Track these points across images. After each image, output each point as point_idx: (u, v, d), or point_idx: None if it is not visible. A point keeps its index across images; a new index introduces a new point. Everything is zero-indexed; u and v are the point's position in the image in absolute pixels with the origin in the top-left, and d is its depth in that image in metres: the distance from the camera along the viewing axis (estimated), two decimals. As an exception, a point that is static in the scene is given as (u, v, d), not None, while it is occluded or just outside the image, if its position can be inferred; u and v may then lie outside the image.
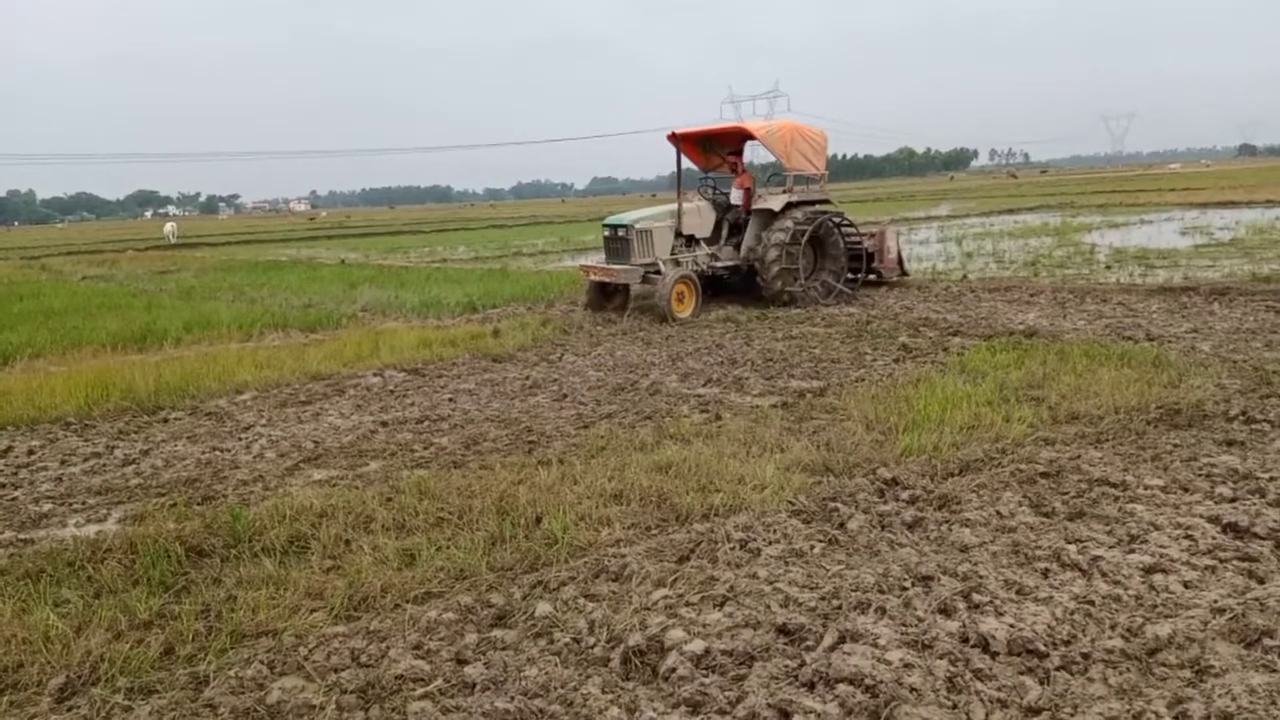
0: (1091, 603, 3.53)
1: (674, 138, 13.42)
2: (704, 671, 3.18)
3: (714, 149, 14.25)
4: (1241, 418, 5.95)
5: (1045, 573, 3.83)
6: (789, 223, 12.79)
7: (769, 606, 3.61)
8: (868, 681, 2.97)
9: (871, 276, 14.35)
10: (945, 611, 3.48)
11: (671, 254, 12.89)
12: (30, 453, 6.85)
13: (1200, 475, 4.93)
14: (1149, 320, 10.07)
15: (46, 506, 5.58)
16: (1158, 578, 3.71)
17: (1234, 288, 11.82)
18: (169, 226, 52.37)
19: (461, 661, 3.38)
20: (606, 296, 13.27)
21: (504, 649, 3.45)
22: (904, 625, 3.37)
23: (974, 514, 4.52)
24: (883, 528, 4.44)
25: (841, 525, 4.48)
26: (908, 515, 4.55)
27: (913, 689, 2.93)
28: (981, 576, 3.76)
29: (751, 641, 3.33)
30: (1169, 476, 4.94)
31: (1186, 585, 3.65)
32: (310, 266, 24.74)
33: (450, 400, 7.98)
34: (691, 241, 13.26)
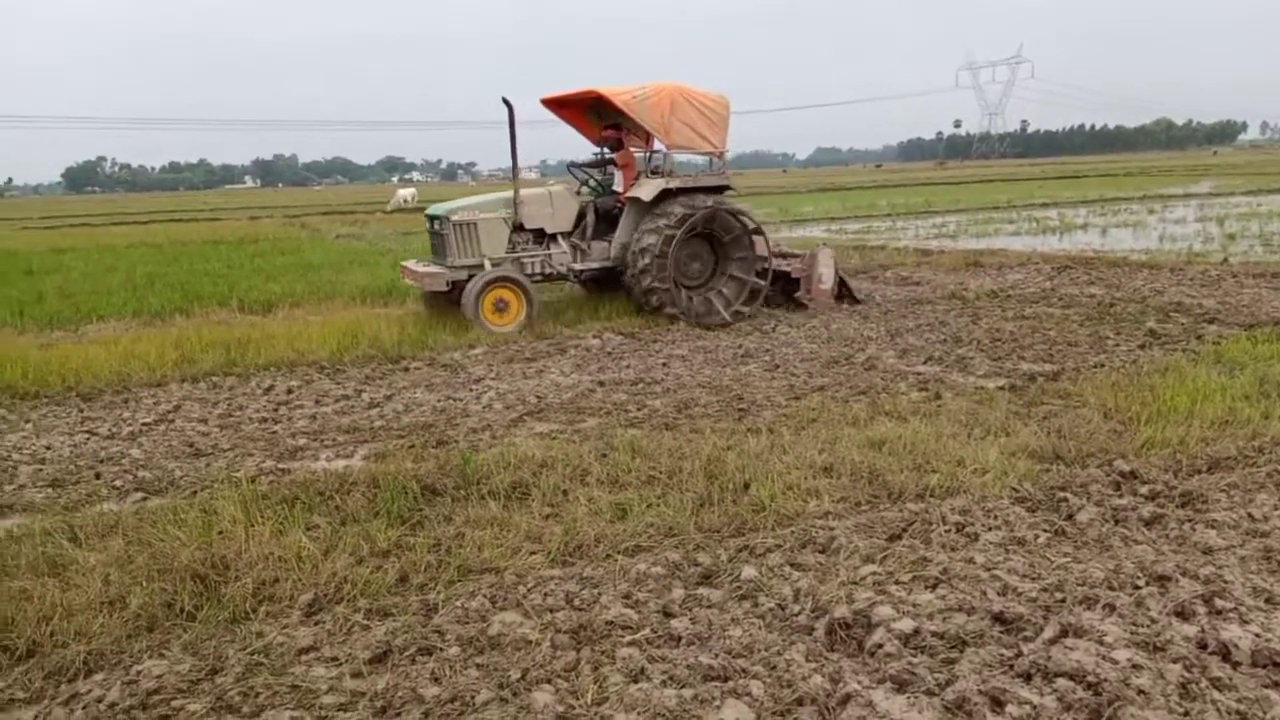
0: (1359, 621, 3.18)
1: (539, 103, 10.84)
2: (912, 651, 3.11)
3: (608, 118, 11.18)
4: None
5: (1304, 584, 3.47)
6: (662, 220, 10.11)
7: (985, 593, 3.48)
8: (1090, 678, 2.80)
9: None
10: (1182, 615, 3.23)
11: (512, 251, 10.47)
12: (289, 392, 7.58)
13: None
14: None
15: (302, 441, 6.16)
16: None
17: None
18: (408, 192, 48.56)
19: (668, 614, 3.46)
20: (450, 300, 10.45)
21: (709, 607, 3.51)
22: (1134, 625, 3.16)
23: (1222, 514, 4.15)
24: (1116, 522, 4.16)
25: (1070, 516, 4.23)
26: (1146, 511, 4.23)
27: (1140, 691, 2.74)
28: (1226, 581, 3.45)
29: (964, 626, 3.22)
30: None
31: None
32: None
33: (664, 364, 8.13)
34: (543, 237, 10.73)
